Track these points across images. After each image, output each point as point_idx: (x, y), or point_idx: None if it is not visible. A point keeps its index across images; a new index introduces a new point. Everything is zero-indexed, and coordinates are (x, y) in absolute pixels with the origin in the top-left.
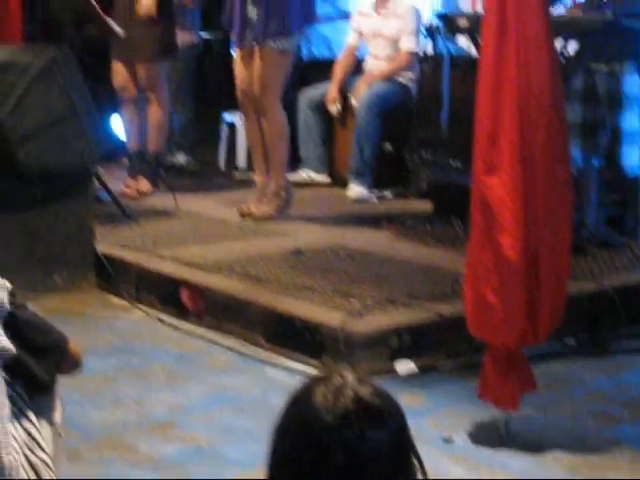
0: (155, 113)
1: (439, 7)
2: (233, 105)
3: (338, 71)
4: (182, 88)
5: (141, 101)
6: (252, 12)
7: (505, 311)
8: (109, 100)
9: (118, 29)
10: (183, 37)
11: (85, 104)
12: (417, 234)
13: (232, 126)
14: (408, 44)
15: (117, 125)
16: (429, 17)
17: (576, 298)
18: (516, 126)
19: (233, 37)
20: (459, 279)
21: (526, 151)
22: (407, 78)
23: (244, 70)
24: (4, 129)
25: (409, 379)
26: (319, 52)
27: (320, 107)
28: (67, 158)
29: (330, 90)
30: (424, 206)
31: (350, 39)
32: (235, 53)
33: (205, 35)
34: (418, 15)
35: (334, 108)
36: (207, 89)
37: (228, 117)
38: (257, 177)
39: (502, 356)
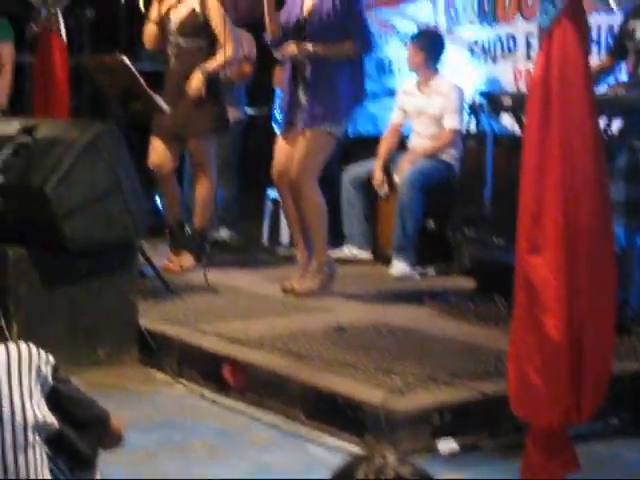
0: (203, 189)
1: (482, 85)
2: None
3: (382, 149)
4: (227, 164)
5: (188, 177)
6: (302, 97)
7: (548, 391)
8: (153, 176)
9: (164, 105)
10: (229, 113)
11: (130, 179)
12: (460, 311)
13: (276, 202)
14: (451, 122)
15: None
16: (472, 95)
17: (619, 377)
18: (560, 205)
19: (281, 121)
20: (502, 357)
21: (570, 230)
22: (450, 156)
23: (285, 150)
24: (50, 204)
25: (451, 458)
26: (364, 129)
27: (363, 184)
28: (112, 233)
29: (376, 171)
30: (467, 283)
31: (394, 117)
32: (278, 139)
33: (250, 111)
34: (461, 93)
35: (382, 191)
36: (251, 165)
37: (272, 193)
38: (299, 254)
39: (545, 436)
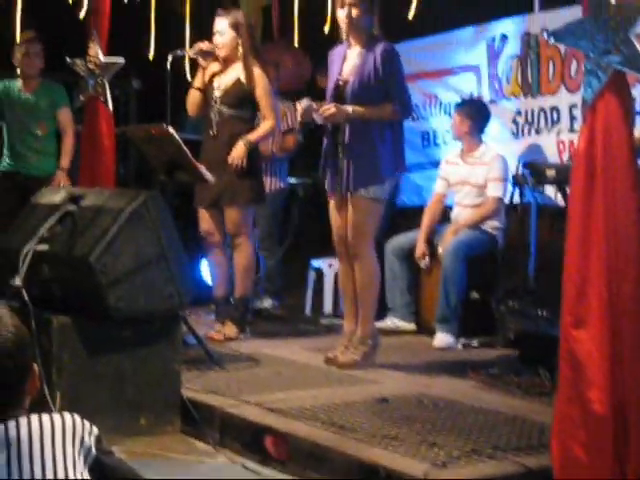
0: (241, 258)
1: (526, 157)
2: (320, 251)
3: (425, 220)
4: (269, 233)
5: (227, 246)
6: (343, 161)
7: (593, 465)
8: (198, 244)
9: (208, 175)
10: (271, 183)
11: (174, 248)
12: (503, 384)
13: (319, 272)
14: (494, 191)
15: (205, 269)
16: (516, 166)
17: None
18: (604, 279)
19: (326, 186)
20: (546, 431)
21: (614, 304)
22: (493, 226)
23: (338, 217)
24: (94, 273)
25: None
26: (408, 199)
27: (407, 255)
28: (156, 302)
29: (418, 242)
30: (511, 355)
31: (437, 187)
32: (329, 201)
33: (292, 181)
34: (504, 163)
35: (423, 263)
36: (294, 234)
37: (315, 263)
38: (345, 323)
39: None
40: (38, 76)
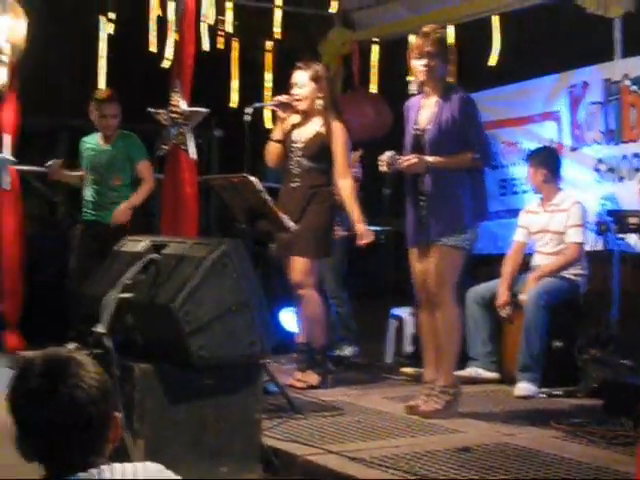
0: (311, 308)
1: (608, 204)
2: (400, 298)
3: (506, 268)
4: (337, 281)
5: (297, 295)
6: (425, 210)
7: None
8: (279, 292)
9: (291, 223)
10: (337, 231)
11: (256, 296)
12: (586, 434)
13: (399, 320)
14: (574, 237)
15: (286, 318)
16: (598, 213)
17: None
18: None
19: (407, 235)
20: None
21: None
22: (575, 273)
23: (419, 265)
24: (177, 321)
25: None
26: (485, 248)
27: (488, 304)
28: (237, 350)
29: (500, 291)
30: (594, 405)
31: (517, 236)
32: (410, 253)
33: (373, 228)
34: (583, 209)
35: (504, 312)
36: (371, 282)
37: (396, 311)
38: (426, 371)
39: None
40: (116, 129)
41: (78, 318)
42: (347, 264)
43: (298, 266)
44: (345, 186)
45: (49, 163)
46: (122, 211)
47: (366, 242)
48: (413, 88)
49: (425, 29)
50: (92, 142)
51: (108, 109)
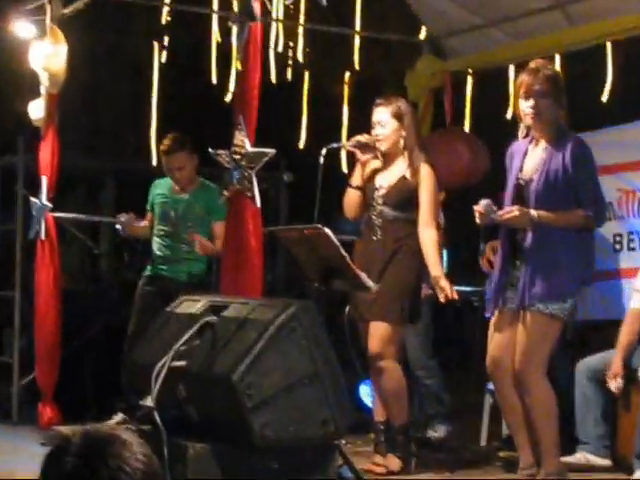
0: (390, 382)
1: None
2: None
3: (623, 338)
4: (422, 348)
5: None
6: (521, 271)
7: None
8: (356, 363)
9: (370, 283)
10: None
11: (329, 367)
12: None
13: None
14: None
15: (364, 392)
16: None
17: None
18: None
19: (490, 296)
20: None
21: None
22: None
23: (500, 336)
24: (237, 394)
25: None
26: (597, 313)
27: (600, 379)
28: (308, 429)
29: (614, 364)
30: None
31: (635, 302)
32: (492, 315)
33: (466, 289)
34: None
35: (614, 384)
36: (463, 350)
37: (491, 385)
38: (520, 456)
39: None
40: (194, 176)
41: (129, 389)
42: (435, 329)
43: (378, 333)
44: (428, 236)
45: (123, 217)
46: (205, 242)
47: (446, 296)
48: (521, 133)
49: (532, 65)
50: (165, 187)
51: (171, 162)
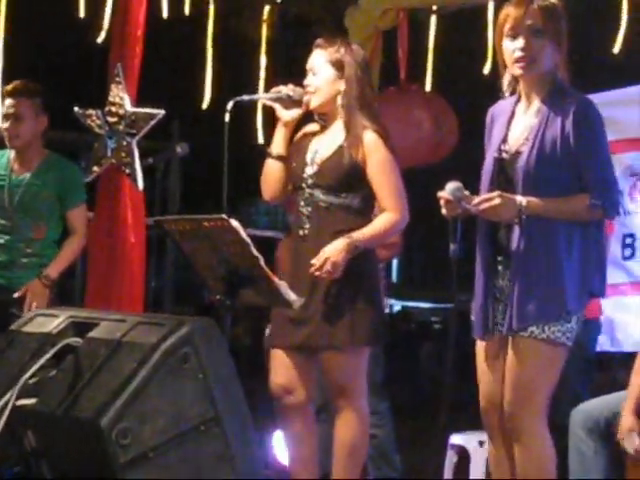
0: (348, 431)
1: None
2: (464, 417)
3: (635, 380)
4: (371, 386)
5: (322, 410)
6: (507, 283)
7: None
8: (272, 404)
9: (292, 296)
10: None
11: (235, 409)
12: None
13: (463, 452)
14: None
15: (280, 445)
16: None
17: None
18: None
19: (473, 319)
20: None
21: None
22: None
23: (490, 373)
24: (108, 443)
25: None
26: (600, 344)
27: (603, 432)
28: None
29: (624, 415)
30: None
31: None
32: (477, 347)
33: (421, 305)
34: None
35: (629, 444)
36: (417, 391)
37: (456, 438)
38: None
39: None
40: (38, 147)
41: None
42: (387, 360)
43: (334, 365)
44: (382, 220)
45: None
46: (38, 289)
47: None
48: (506, 90)
49: None
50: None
51: (18, 106)
